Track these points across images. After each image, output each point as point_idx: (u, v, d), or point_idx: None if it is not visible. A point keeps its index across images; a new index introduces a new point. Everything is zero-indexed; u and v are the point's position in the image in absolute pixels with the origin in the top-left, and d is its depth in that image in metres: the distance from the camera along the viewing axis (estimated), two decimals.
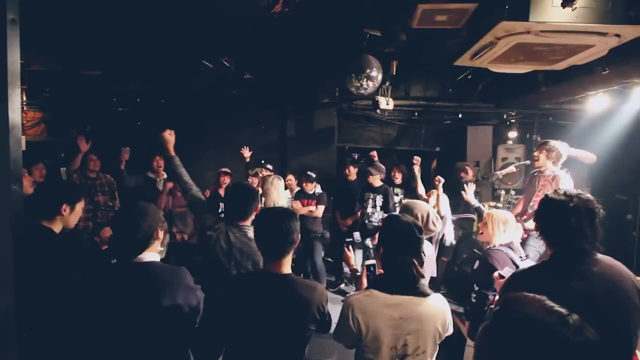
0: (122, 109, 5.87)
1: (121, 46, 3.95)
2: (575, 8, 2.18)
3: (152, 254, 1.62)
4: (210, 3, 2.73)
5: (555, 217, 1.41)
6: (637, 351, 1.46)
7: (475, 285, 2.19)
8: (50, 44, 3.84)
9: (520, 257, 2.21)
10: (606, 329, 1.28)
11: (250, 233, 2.15)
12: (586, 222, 1.37)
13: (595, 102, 4.49)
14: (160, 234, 1.65)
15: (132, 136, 5.30)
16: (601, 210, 1.42)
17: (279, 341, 1.56)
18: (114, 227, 1.67)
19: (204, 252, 2.16)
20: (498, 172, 4.80)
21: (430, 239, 3.89)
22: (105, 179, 4.26)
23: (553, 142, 3.45)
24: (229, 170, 4.68)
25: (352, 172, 5.09)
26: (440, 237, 3.88)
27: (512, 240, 2.31)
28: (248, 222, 2.19)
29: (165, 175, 4.44)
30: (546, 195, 1.50)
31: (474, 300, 2.18)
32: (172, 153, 2.32)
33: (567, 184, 3.28)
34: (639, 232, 4.96)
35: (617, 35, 2.41)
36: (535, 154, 3.49)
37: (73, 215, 1.89)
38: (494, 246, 2.27)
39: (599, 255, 1.40)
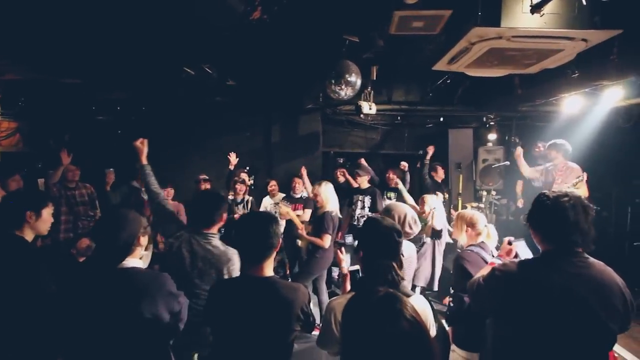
0: (102, 117, 5.75)
1: (100, 54, 3.89)
2: (544, 14, 2.28)
3: (134, 260, 1.60)
4: (188, 10, 2.73)
5: (552, 214, 1.44)
6: (614, 349, 1.53)
7: (451, 288, 2.16)
8: (26, 53, 3.76)
9: (492, 256, 2.23)
10: (583, 325, 1.35)
11: (215, 241, 2.13)
12: (582, 218, 1.43)
13: (569, 103, 4.64)
14: (142, 240, 1.64)
15: (112, 145, 5.20)
16: (593, 208, 1.48)
17: (265, 343, 1.56)
18: (94, 236, 1.65)
19: (166, 260, 2.13)
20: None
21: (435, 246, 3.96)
22: (85, 189, 4.17)
23: (560, 141, 4.22)
24: (207, 177, 4.63)
25: (341, 176, 5.16)
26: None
27: (483, 240, 2.27)
28: (213, 230, 2.17)
29: None
30: (541, 194, 1.53)
31: (451, 305, 2.14)
32: (144, 162, 2.35)
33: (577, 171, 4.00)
34: (615, 228, 5.15)
35: (584, 40, 2.52)
36: (553, 154, 4.24)
37: (40, 222, 1.89)
38: (465, 247, 2.24)
39: (592, 259, 1.45)
